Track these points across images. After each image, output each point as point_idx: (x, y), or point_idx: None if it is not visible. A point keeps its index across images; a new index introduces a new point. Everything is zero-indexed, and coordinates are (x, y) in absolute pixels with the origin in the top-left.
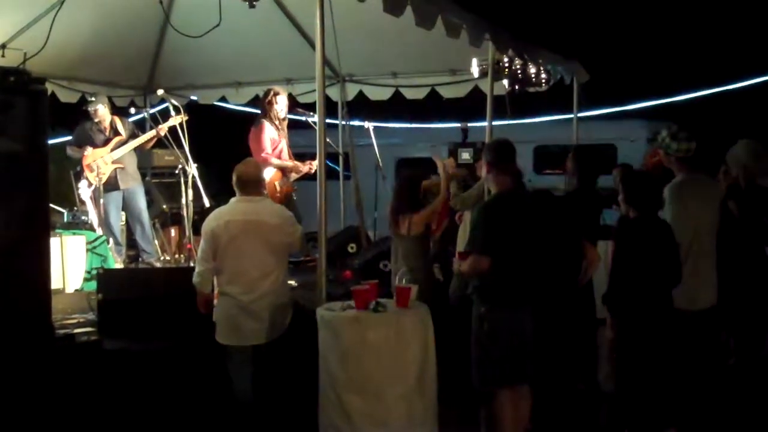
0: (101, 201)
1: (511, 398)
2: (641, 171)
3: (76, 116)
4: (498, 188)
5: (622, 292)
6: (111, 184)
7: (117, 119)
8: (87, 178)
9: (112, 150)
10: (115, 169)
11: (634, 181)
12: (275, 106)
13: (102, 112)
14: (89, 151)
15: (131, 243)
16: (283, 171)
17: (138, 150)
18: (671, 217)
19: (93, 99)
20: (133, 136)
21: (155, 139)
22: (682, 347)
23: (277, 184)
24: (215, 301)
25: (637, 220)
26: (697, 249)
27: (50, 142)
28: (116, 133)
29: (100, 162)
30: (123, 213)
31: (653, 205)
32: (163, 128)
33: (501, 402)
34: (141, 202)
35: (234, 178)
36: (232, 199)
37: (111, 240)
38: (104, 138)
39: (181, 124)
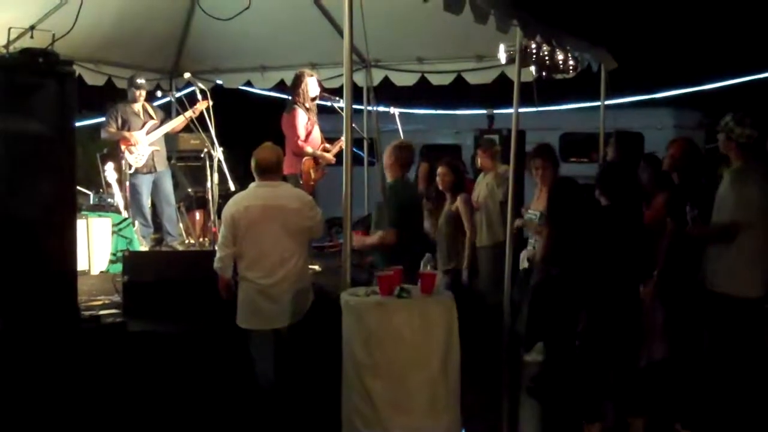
0: (133, 183)
1: None
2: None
3: (102, 99)
4: None
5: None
6: (148, 167)
7: (147, 104)
8: (127, 160)
9: (147, 133)
10: (152, 152)
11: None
12: (307, 89)
13: (143, 95)
14: (130, 134)
15: (156, 226)
16: (315, 159)
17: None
18: (733, 203)
19: (141, 82)
20: (163, 120)
21: (185, 123)
22: (730, 335)
23: (312, 171)
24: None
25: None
26: (755, 236)
27: (77, 124)
28: (149, 117)
29: (138, 145)
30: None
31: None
32: (195, 111)
33: None
34: (170, 184)
35: (252, 163)
36: (252, 185)
37: (137, 223)
38: (141, 121)
39: (207, 108)
